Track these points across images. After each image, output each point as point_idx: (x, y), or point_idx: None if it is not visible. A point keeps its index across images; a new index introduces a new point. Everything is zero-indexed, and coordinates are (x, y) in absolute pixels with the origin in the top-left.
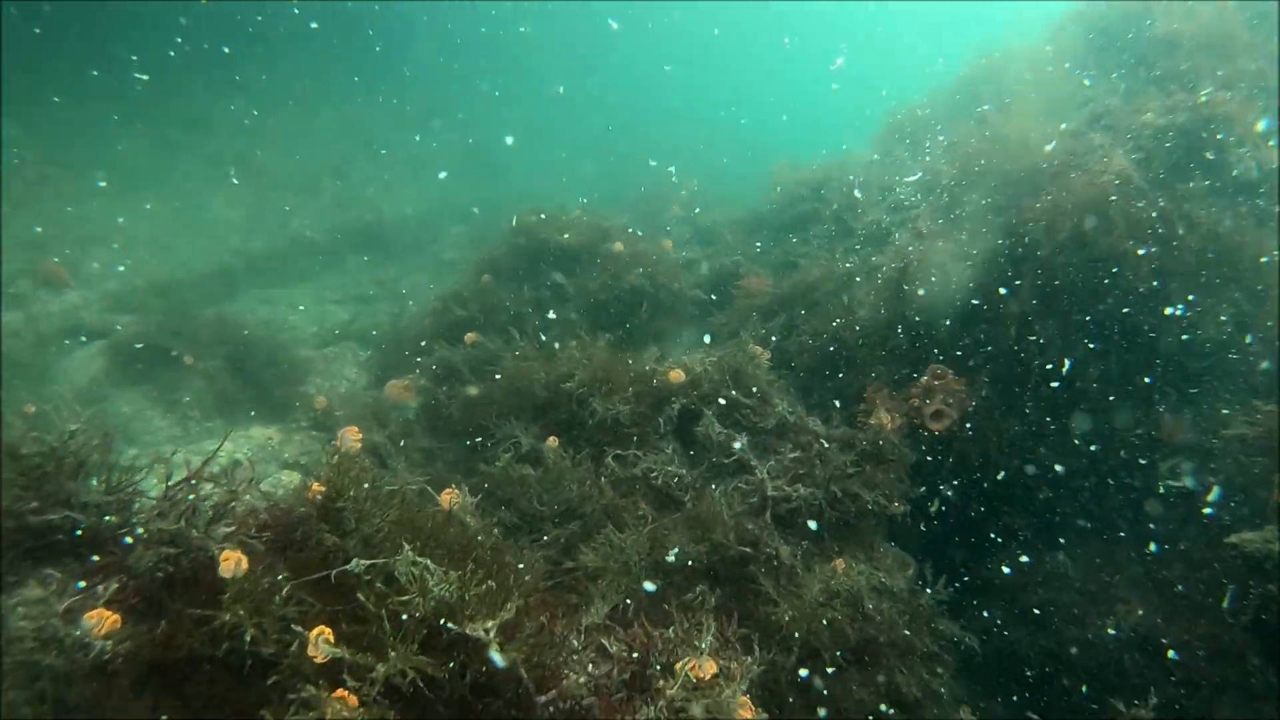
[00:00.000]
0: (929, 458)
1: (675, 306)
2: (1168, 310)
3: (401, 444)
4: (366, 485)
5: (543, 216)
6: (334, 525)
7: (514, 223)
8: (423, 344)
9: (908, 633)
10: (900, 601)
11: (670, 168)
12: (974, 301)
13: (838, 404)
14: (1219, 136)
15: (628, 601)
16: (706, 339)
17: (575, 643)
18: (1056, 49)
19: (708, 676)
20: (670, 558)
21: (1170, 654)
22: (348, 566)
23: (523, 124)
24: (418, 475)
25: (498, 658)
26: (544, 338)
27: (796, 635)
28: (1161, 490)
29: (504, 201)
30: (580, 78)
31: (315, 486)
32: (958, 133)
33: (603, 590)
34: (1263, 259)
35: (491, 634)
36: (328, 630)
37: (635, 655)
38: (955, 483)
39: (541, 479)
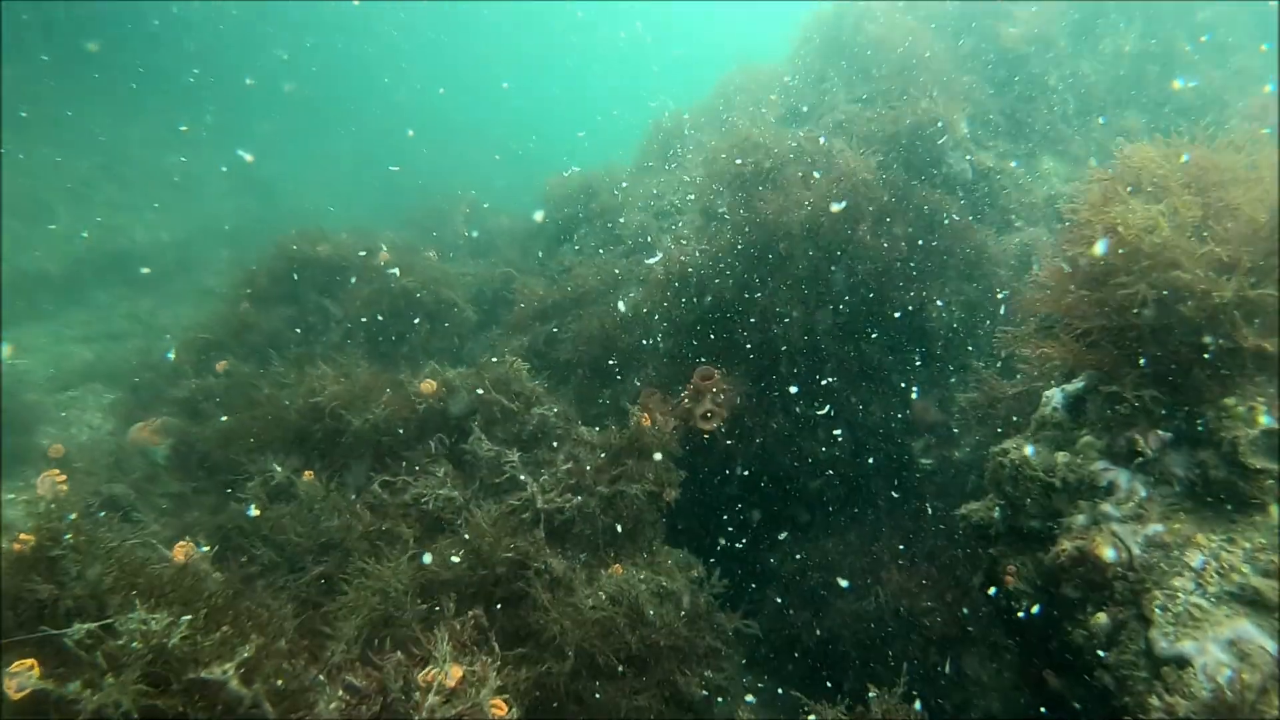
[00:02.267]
0: (702, 457)
1: (450, 320)
2: (908, 297)
3: (146, 492)
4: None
5: (308, 238)
6: (49, 574)
7: (277, 246)
8: (179, 380)
9: (687, 633)
10: (681, 602)
11: (449, 184)
12: (730, 299)
13: (614, 413)
14: (937, 141)
15: (386, 633)
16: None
17: (322, 677)
18: (800, 58)
19: (453, 684)
20: (426, 558)
21: (924, 619)
22: (67, 632)
23: (298, 142)
24: (168, 524)
25: (237, 689)
26: (305, 365)
27: (570, 644)
28: (916, 468)
29: (273, 223)
30: (360, 96)
31: (22, 537)
32: (711, 140)
33: (357, 624)
34: (987, 249)
35: (229, 673)
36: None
37: (378, 685)
38: (728, 478)
39: (296, 513)
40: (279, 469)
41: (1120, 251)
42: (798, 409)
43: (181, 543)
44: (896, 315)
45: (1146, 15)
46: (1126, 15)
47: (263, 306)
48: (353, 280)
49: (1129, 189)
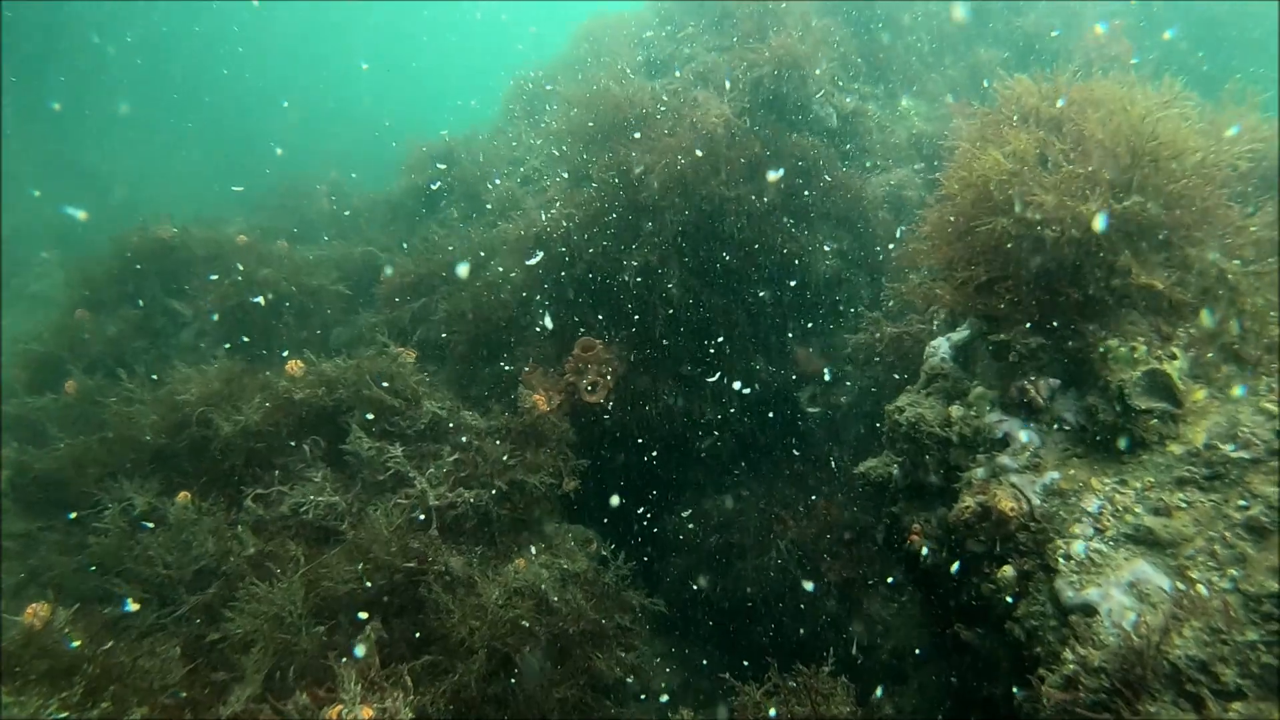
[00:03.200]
0: (592, 430)
1: (314, 308)
2: (786, 248)
3: None
4: None
5: (149, 232)
6: None
7: (114, 242)
8: (10, 401)
9: (596, 615)
10: (586, 584)
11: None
12: (605, 264)
13: (497, 393)
14: (800, 87)
15: (288, 663)
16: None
17: None
18: (659, 7)
19: None
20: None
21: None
22: None
23: (136, 128)
24: (11, 570)
25: None
26: (158, 374)
27: (480, 645)
28: (802, 417)
29: (106, 219)
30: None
31: None
32: (570, 94)
33: (254, 659)
34: (861, 194)
35: None
36: None
37: None
38: (621, 449)
39: (164, 540)
40: (137, 496)
41: (975, 192)
42: (684, 370)
43: (32, 606)
44: (774, 267)
45: None
46: None
47: (102, 312)
48: (207, 275)
49: (1012, 122)
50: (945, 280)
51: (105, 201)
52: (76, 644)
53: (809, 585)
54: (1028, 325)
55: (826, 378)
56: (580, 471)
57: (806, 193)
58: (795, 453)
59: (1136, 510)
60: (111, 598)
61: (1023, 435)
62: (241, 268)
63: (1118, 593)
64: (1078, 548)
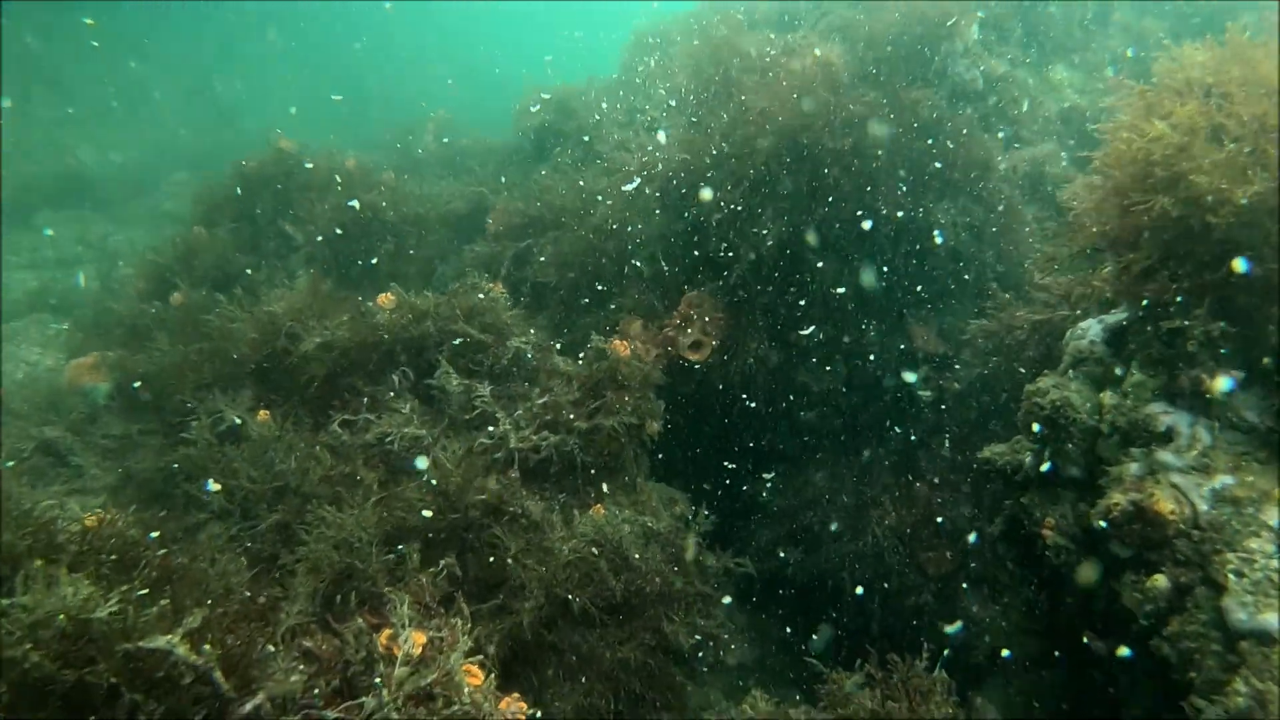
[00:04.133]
0: (690, 388)
1: (420, 241)
2: (909, 216)
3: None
4: None
5: (267, 159)
6: None
7: (238, 166)
8: (132, 309)
9: (675, 580)
10: (666, 543)
11: (423, 103)
12: (714, 216)
13: (592, 338)
14: (944, 46)
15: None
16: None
17: (271, 647)
18: None
19: (417, 651)
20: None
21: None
22: None
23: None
24: (109, 470)
25: (185, 655)
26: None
27: (539, 590)
28: (914, 397)
29: (233, 145)
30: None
31: None
32: (689, 46)
33: (311, 583)
34: (994, 165)
35: (174, 642)
36: None
37: (337, 654)
38: (718, 411)
39: (249, 455)
40: (228, 410)
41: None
42: (790, 336)
43: (93, 513)
44: (893, 235)
45: None
46: None
47: (220, 229)
48: (319, 201)
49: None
50: (1103, 266)
51: (238, 130)
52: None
53: (902, 571)
54: (1205, 309)
55: (941, 358)
56: (660, 415)
57: (936, 158)
58: (900, 434)
59: None
60: (199, 504)
61: (1189, 430)
62: (352, 197)
63: None
64: (1258, 565)
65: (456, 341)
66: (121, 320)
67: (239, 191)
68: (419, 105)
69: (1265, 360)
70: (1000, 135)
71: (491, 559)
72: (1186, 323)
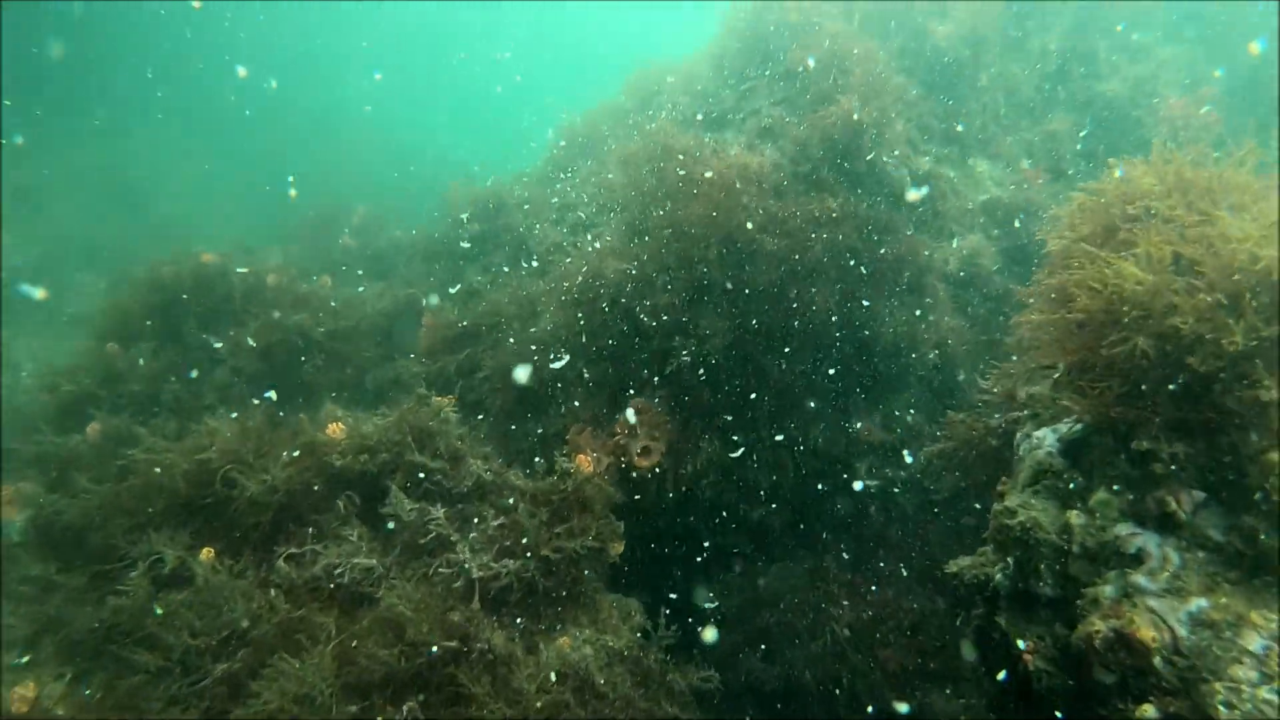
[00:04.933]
0: (640, 494)
1: (350, 351)
2: (852, 314)
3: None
4: None
5: (185, 261)
6: None
7: (149, 270)
8: (35, 435)
9: (644, 702)
10: (630, 663)
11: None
12: (656, 322)
13: (540, 449)
14: (871, 146)
15: None
16: None
17: None
18: (718, 57)
19: None
20: None
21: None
22: None
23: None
24: (27, 618)
25: None
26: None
27: None
28: (859, 488)
29: (142, 237)
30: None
31: None
32: (628, 146)
33: None
34: (931, 264)
35: None
36: None
37: None
38: (668, 514)
39: (193, 602)
40: (169, 551)
41: (1104, 301)
42: (737, 436)
43: (19, 687)
44: (835, 333)
45: (1074, 13)
46: (1056, 12)
47: (134, 344)
48: (244, 310)
49: (1126, 216)
50: (1070, 388)
51: (143, 218)
52: None
53: (864, 670)
54: (1168, 429)
55: (888, 452)
56: (623, 536)
57: (877, 259)
58: (850, 527)
59: None
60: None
61: (1159, 552)
62: (276, 311)
63: None
64: (1245, 695)
65: (410, 475)
66: (35, 455)
67: (156, 302)
68: (342, 188)
69: (1229, 477)
70: (935, 229)
71: (457, 703)
72: (1150, 446)
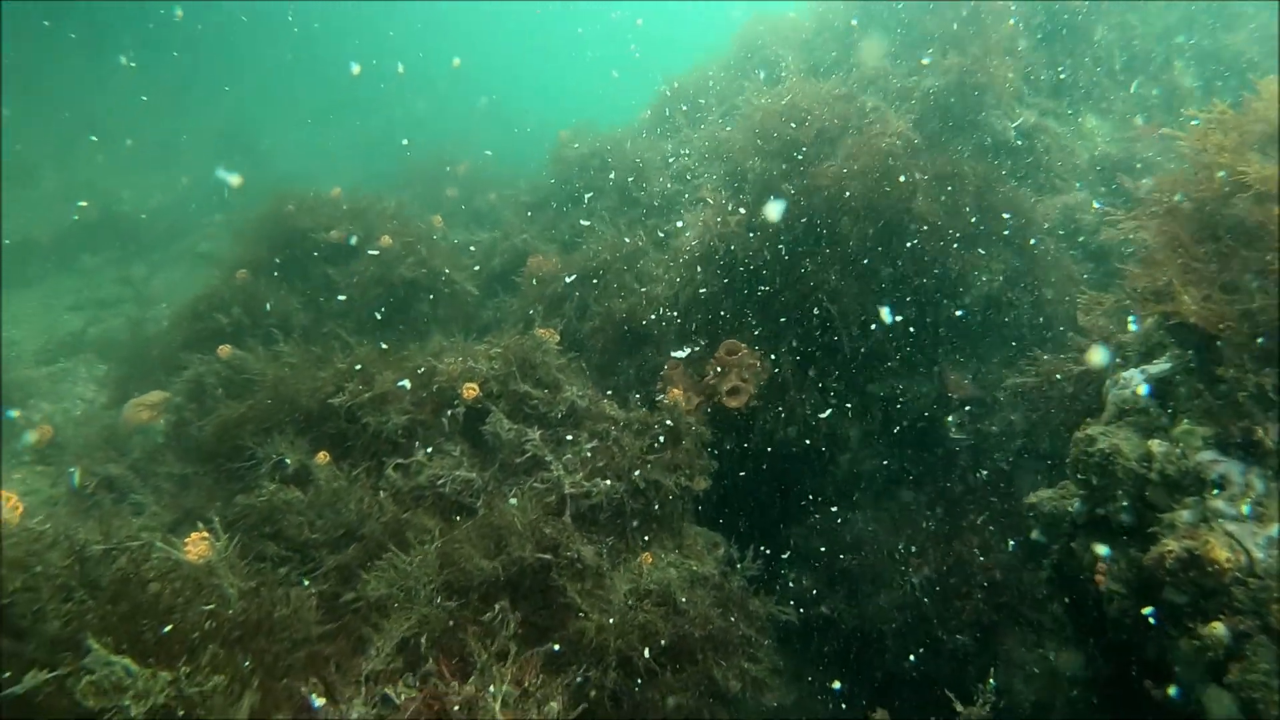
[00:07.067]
0: (729, 433)
1: (458, 293)
2: (946, 268)
3: (146, 474)
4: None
5: (305, 200)
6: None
7: (271, 208)
8: (175, 352)
9: (722, 621)
10: (712, 587)
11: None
12: (766, 271)
13: (636, 385)
14: (983, 100)
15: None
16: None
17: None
18: (826, 10)
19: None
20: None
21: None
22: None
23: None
24: (168, 508)
25: None
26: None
27: (608, 645)
28: (949, 442)
29: (265, 187)
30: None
31: None
32: (734, 99)
33: (387, 628)
34: (1033, 217)
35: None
36: None
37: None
38: (755, 456)
39: (312, 501)
40: (289, 457)
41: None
42: (828, 383)
43: (195, 535)
44: (937, 289)
45: None
46: None
47: (261, 273)
48: (354, 244)
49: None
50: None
51: (265, 170)
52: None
53: (942, 617)
54: (1258, 359)
55: (976, 403)
56: (710, 473)
57: (984, 212)
58: (937, 478)
59: None
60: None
61: (1242, 479)
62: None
63: None
64: None
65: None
66: (172, 364)
67: (281, 237)
68: (450, 145)
69: None
70: (1039, 183)
71: (549, 601)
72: (1238, 375)
